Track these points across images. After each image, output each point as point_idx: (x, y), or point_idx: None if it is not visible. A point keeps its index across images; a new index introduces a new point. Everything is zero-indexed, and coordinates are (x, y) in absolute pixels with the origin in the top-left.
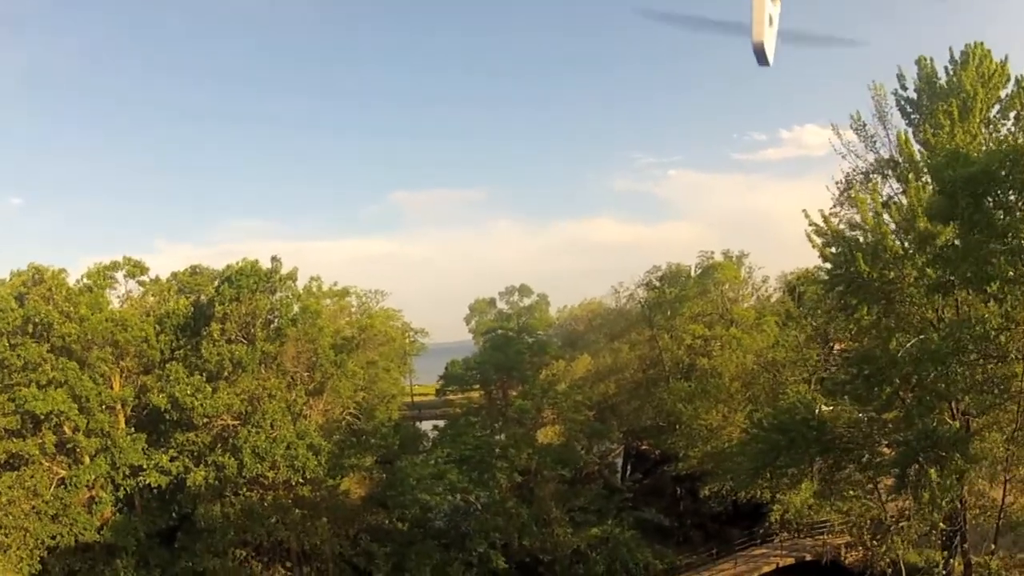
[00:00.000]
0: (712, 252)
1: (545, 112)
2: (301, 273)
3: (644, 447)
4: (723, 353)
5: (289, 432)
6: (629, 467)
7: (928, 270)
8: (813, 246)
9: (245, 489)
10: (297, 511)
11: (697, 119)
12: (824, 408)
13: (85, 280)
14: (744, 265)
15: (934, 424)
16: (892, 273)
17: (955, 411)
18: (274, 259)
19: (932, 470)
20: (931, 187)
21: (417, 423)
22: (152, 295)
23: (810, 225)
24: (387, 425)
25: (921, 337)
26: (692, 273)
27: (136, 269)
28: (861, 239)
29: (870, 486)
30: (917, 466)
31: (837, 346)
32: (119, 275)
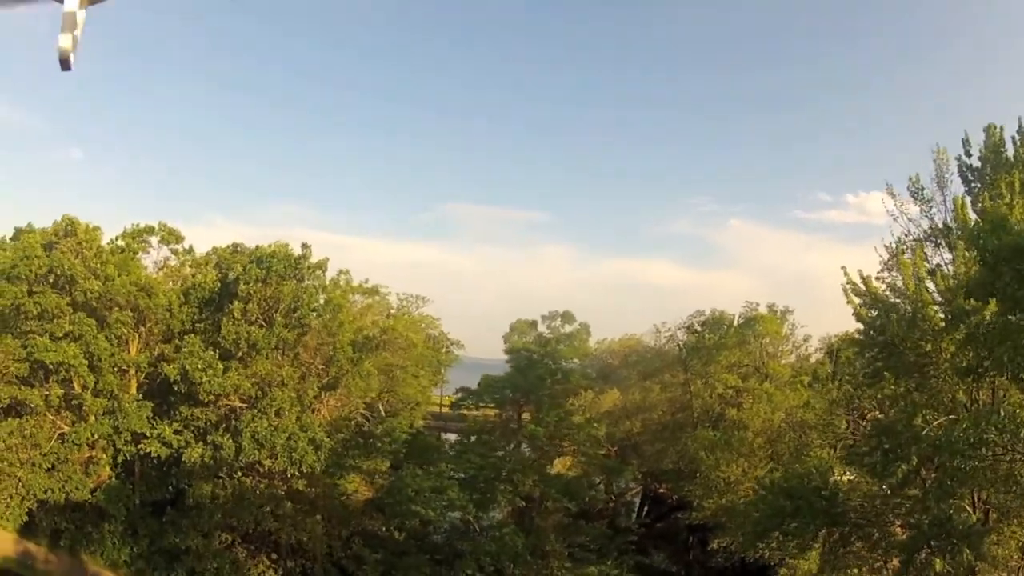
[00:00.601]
0: (757, 304)
1: (613, 146)
2: (346, 267)
3: (662, 491)
4: (752, 407)
5: (292, 423)
6: (646, 509)
7: (963, 350)
8: (848, 302)
9: (240, 474)
10: (289, 504)
11: (765, 170)
12: (840, 478)
13: (119, 241)
14: (787, 321)
15: (950, 512)
16: (928, 346)
17: (976, 500)
18: (304, 246)
19: (938, 560)
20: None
21: (443, 434)
22: (189, 266)
23: (848, 283)
24: (399, 431)
25: (950, 418)
26: (735, 322)
27: (171, 236)
28: (900, 306)
29: (879, 564)
30: (926, 553)
31: (869, 415)
32: (153, 240)
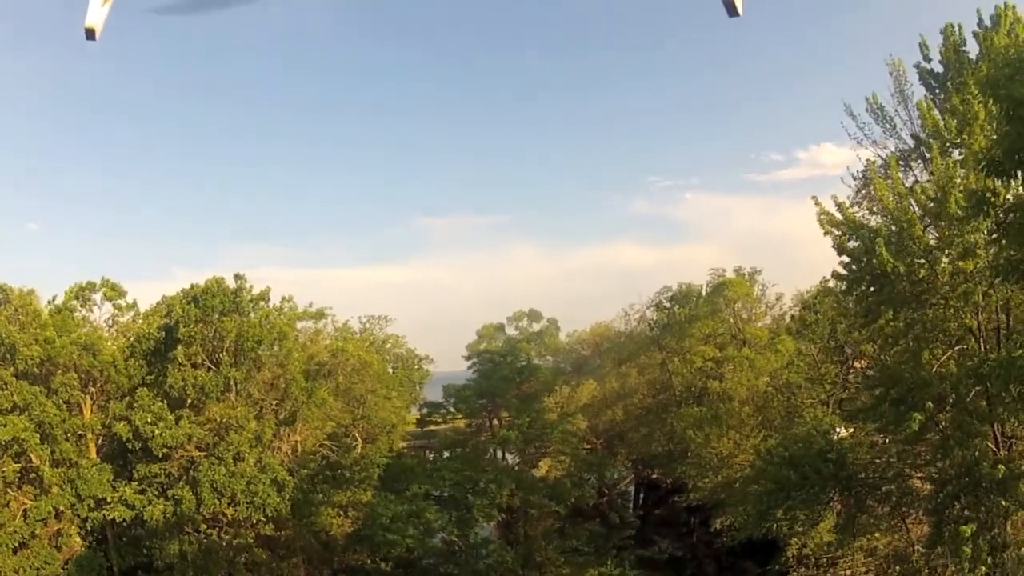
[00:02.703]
0: (723, 269)
1: (562, 137)
2: (320, 299)
3: (655, 476)
4: (734, 375)
5: (251, 466)
6: (642, 496)
7: (978, 253)
8: (825, 234)
9: (205, 527)
10: (260, 551)
11: (711, 140)
12: (844, 435)
13: (58, 302)
14: (757, 283)
15: (975, 455)
16: (923, 270)
17: (999, 437)
18: (238, 277)
19: (967, 527)
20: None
21: (428, 453)
22: (136, 320)
23: (822, 214)
24: (378, 456)
25: (959, 348)
26: (703, 293)
27: (113, 292)
28: (883, 229)
29: (896, 521)
30: (957, 509)
31: (857, 363)
32: (96, 297)
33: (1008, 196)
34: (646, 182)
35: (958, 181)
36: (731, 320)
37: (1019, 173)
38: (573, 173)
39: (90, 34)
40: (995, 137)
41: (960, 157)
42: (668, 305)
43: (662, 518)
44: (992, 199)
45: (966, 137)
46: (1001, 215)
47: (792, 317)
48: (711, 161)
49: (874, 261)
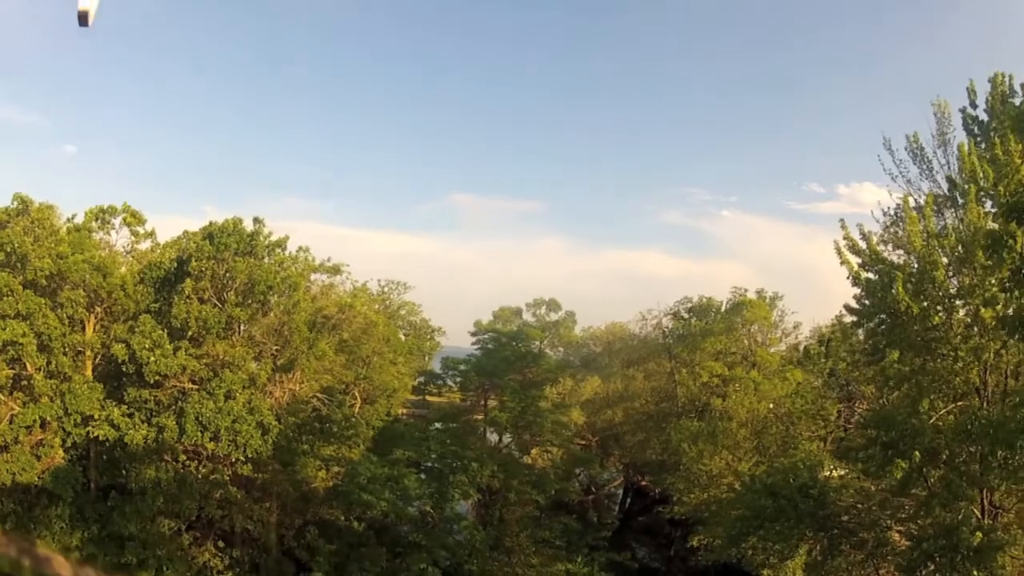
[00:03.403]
0: (745, 289)
1: (608, 136)
2: (344, 258)
3: (644, 483)
4: (738, 395)
5: (240, 406)
6: (628, 501)
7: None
8: (842, 263)
9: (184, 458)
10: (236, 490)
11: (756, 162)
12: (831, 474)
13: (77, 221)
14: (777, 308)
15: (957, 519)
16: (937, 317)
17: (986, 503)
18: (257, 220)
19: None
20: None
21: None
22: (161, 250)
23: (845, 239)
24: (375, 418)
25: (960, 404)
26: (722, 308)
27: (133, 219)
28: (906, 267)
29: (869, 571)
30: (929, 570)
31: (862, 407)
32: (115, 221)
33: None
34: (684, 192)
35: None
36: (745, 341)
37: None
38: (612, 173)
39: (83, 19)
40: None
41: (993, 209)
42: (686, 316)
43: (644, 526)
44: (1011, 243)
45: (1001, 188)
46: (1018, 262)
47: (800, 348)
48: (753, 182)
49: (889, 298)
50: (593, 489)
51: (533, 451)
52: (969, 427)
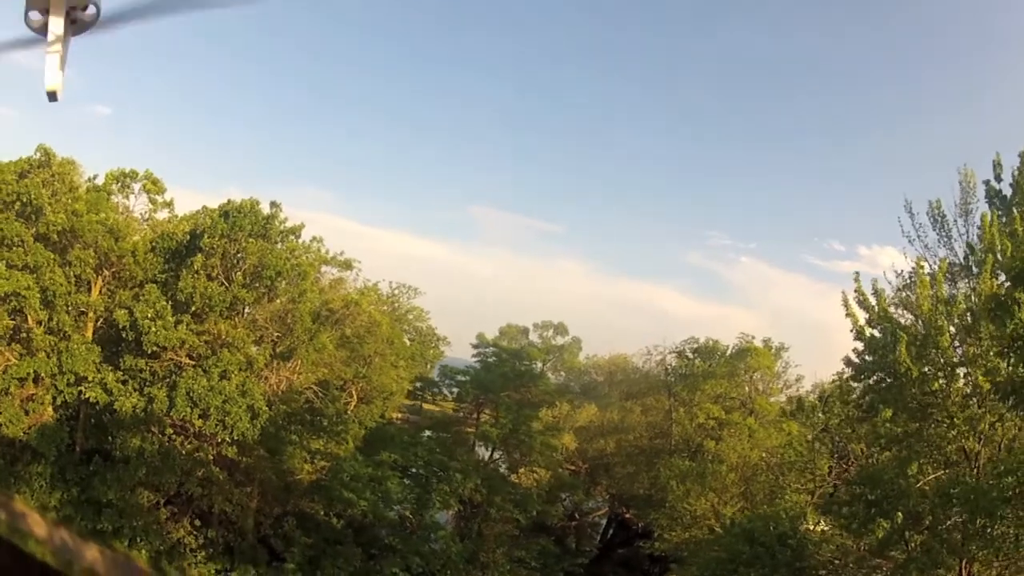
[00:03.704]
0: (752, 336)
1: (635, 167)
2: (358, 255)
3: (628, 516)
4: (731, 440)
5: (233, 387)
6: (611, 532)
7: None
8: (847, 315)
9: (170, 431)
10: (218, 471)
11: (780, 213)
12: (814, 528)
13: (97, 181)
14: (781, 359)
15: None
16: (937, 383)
17: (964, 572)
18: (274, 205)
19: None
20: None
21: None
22: (178, 221)
23: (855, 292)
24: (368, 418)
25: (948, 472)
26: (727, 353)
27: (153, 186)
28: (911, 329)
29: None
30: None
31: (854, 465)
32: (135, 187)
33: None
34: (705, 234)
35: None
36: (746, 387)
37: None
38: (636, 204)
39: (52, 96)
40: None
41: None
42: (690, 356)
43: (623, 558)
44: (1014, 308)
45: (1018, 263)
46: (1021, 329)
47: (795, 400)
48: (774, 232)
49: (891, 358)
50: (577, 516)
51: (521, 470)
52: (952, 491)
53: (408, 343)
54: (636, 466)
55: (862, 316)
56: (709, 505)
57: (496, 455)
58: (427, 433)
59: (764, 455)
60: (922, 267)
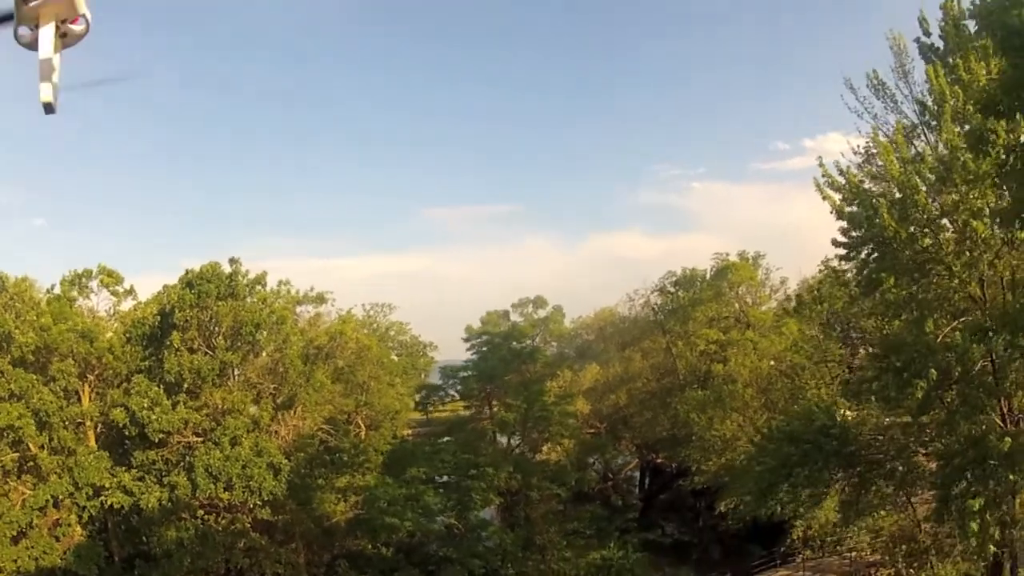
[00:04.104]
0: (727, 254)
1: (571, 127)
2: (328, 288)
3: (659, 460)
4: (738, 358)
5: (247, 450)
6: (647, 481)
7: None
8: (824, 198)
9: (202, 512)
10: (257, 536)
11: (718, 128)
12: (848, 413)
13: (55, 289)
14: (761, 267)
15: (983, 429)
16: (926, 240)
17: (1005, 411)
18: (233, 261)
19: (974, 502)
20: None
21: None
22: (143, 307)
23: (823, 175)
24: (381, 443)
25: (964, 320)
26: (707, 277)
27: (110, 279)
28: (886, 196)
29: (902, 500)
30: (964, 484)
31: (863, 349)
32: (93, 284)
33: (1007, 137)
34: (652, 170)
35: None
36: (735, 304)
37: (1018, 114)
38: (581, 163)
39: (48, 108)
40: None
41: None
42: (672, 290)
43: (667, 502)
44: (993, 138)
45: (971, 108)
46: (1002, 156)
47: (793, 298)
48: (717, 150)
49: (875, 228)
50: (610, 475)
51: (545, 447)
52: (984, 324)
53: (396, 359)
54: (652, 411)
55: (836, 197)
56: (735, 425)
57: (515, 440)
58: (445, 439)
59: (772, 363)
60: (878, 135)
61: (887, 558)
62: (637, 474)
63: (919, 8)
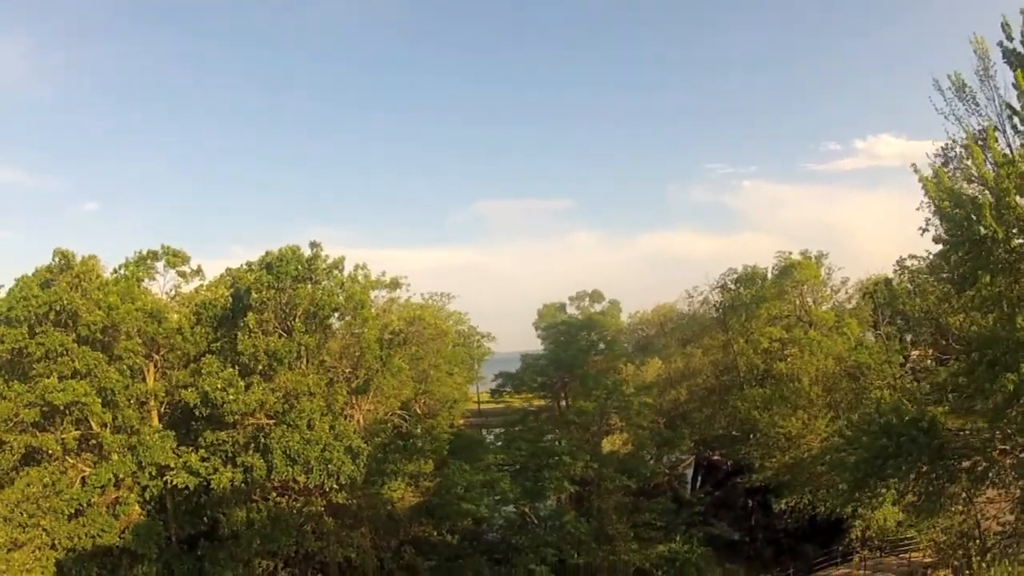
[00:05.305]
0: (790, 252)
1: (623, 124)
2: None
3: (715, 457)
4: (801, 357)
5: (326, 433)
6: (700, 478)
7: None
8: (928, 196)
9: (275, 494)
10: (330, 520)
11: (771, 128)
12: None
13: (122, 270)
14: (823, 266)
15: None
16: (1019, 239)
17: None
18: (314, 244)
19: None
20: None
21: (483, 431)
22: (201, 290)
23: (920, 180)
24: (440, 430)
25: None
26: (768, 275)
27: (176, 258)
28: (980, 197)
29: (964, 496)
30: None
31: (915, 353)
32: (159, 265)
33: None
34: (705, 169)
35: None
36: (797, 302)
37: None
38: (634, 159)
39: None
40: None
41: None
42: (733, 287)
43: (720, 500)
44: None
45: None
46: None
47: (857, 306)
48: (770, 149)
49: (973, 228)
50: (665, 471)
51: (613, 437)
52: None
53: (452, 348)
54: (711, 407)
55: (939, 196)
56: (800, 423)
57: (573, 430)
58: (518, 428)
59: (835, 362)
60: (971, 136)
61: (947, 556)
62: (689, 471)
63: (1002, 14)
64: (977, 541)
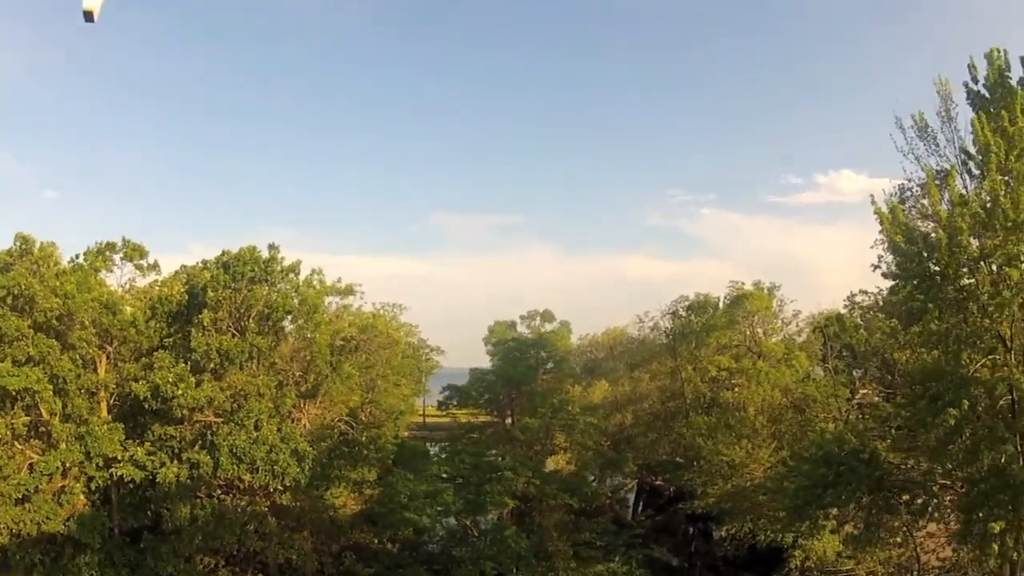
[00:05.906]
0: (742, 282)
1: (582, 141)
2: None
3: (658, 482)
4: (749, 386)
5: (273, 434)
6: (642, 502)
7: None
8: (883, 230)
9: (220, 492)
10: (274, 521)
11: (731, 157)
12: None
13: (79, 259)
14: (775, 298)
15: (1005, 460)
16: (966, 279)
17: (1019, 447)
18: (272, 247)
19: (995, 524)
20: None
21: (428, 444)
22: (156, 285)
23: (876, 212)
24: (383, 439)
25: (992, 357)
26: (720, 304)
27: (134, 252)
28: (933, 234)
29: (904, 529)
30: (985, 511)
31: (863, 391)
32: (116, 257)
33: None
34: (664, 194)
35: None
36: (747, 332)
37: None
38: (591, 178)
39: (88, 16)
40: None
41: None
42: (684, 314)
43: (661, 525)
44: None
45: (1013, 160)
46: None
47: (807, 341)
48: (730, 179)
49: (924, 264)
50: (608, 492)
51: (557, 457)
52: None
53: (401, 359)
54: (656, 432)
55: (894, 231)
56: (744, 452)
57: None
58: (463, 441)
59: (781, 394)
60: (931, 175)
61: None
62: (631, 496)
63: (969, 55)
64: (915, 574)
